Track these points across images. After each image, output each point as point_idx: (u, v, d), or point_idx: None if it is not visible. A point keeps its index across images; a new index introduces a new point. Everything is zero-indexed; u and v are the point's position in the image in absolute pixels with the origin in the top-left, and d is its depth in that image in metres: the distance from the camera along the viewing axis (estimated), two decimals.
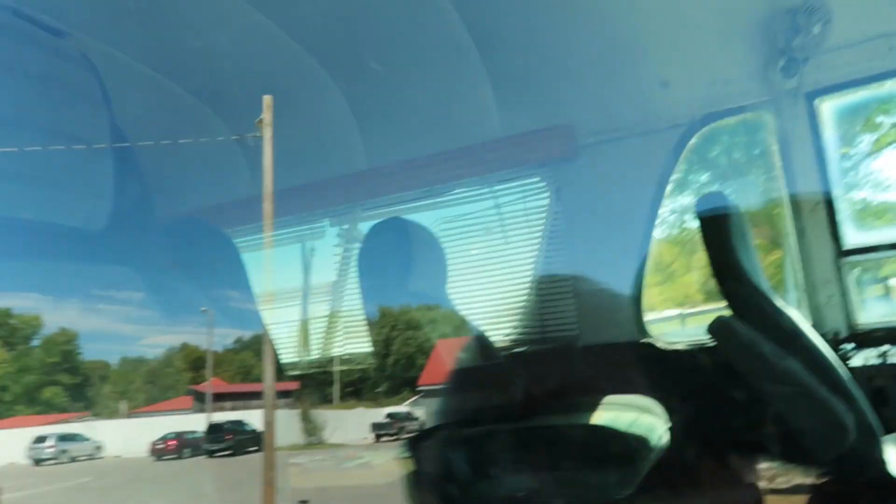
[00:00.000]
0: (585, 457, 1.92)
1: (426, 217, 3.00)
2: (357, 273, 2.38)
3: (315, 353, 3.31)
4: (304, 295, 3.32)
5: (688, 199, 3.01)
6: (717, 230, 1.97)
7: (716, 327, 1.80)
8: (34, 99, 2.75)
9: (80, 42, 2.65)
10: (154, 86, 2.94)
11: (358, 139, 3.03)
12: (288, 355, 3.33)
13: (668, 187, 2.71)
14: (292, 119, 3.12)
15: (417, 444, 2.15)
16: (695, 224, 2.08)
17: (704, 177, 3.63)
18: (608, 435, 1.91)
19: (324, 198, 3.13)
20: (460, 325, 2.57)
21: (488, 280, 2.97)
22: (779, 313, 1.89)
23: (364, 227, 3.21)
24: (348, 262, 3.28)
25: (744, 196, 3.21)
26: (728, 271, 1.92)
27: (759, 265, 1.99)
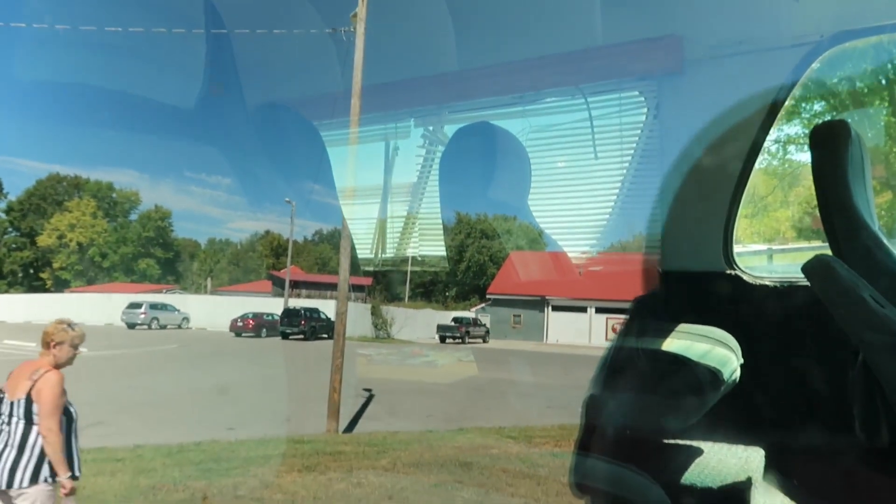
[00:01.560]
0: (652, 382, 1.89)
1: (514, 125, 2.90)
2: (438, 176, 2.36)
3: (390, 252, 3.35)
4: (384, 194, 3.33)
5: (795, 129, 2.79)
6: (832, 161, 1.82)
7: (814, 266, 1.69)
8: None
9: None
10: None
11: (452, 39, 2.93)
12: (364, 251, 3.39)
13: (780, 113, 2.51)
14: (387, 15, 3.03)
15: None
16: (805, 153, 1.93)
17: (819, 105, 3.34)
18: (678, 363, 1.87)
19: (411, 97, 3.07)
20: (536, 238, 2.53)
21: (572, 195, 2.89)
22: (887, 258, 1.75)
23: (450, 130, 3.15)
24: (430, 164, 3.25)
25: (862, 129, 2.94)
26: (837, 208, 1.79)
27: (873, 206, 1.83)
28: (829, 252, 1.88)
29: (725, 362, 2.07)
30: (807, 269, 1.71)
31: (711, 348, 2.16)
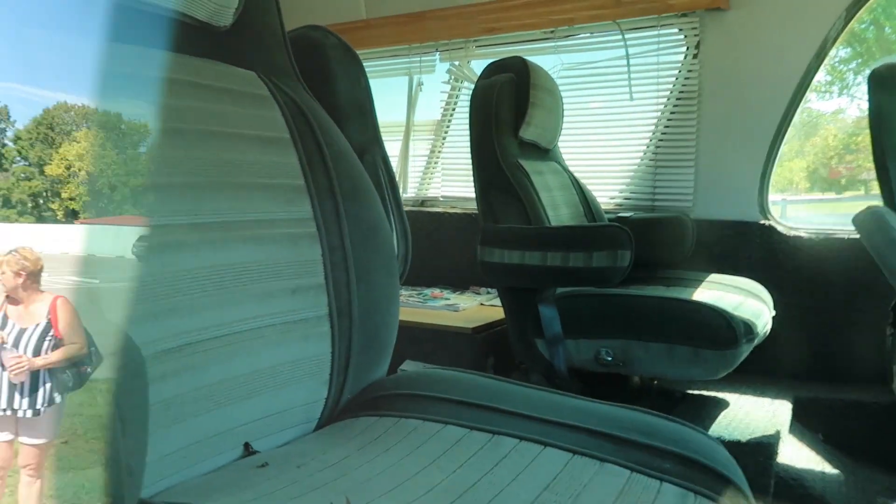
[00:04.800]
0: (684, 332, 1.84)
1: (544, 61, 2.77)
2: (466, 114, 2.26)
3: (411, 191, 3.27)
4: (406, 130, 3.22)
5: (817, 75, 2.63)
6: (891, 102, 1.71)
7: (865, 217, 1.61)
8: None
9: None
10: None
11: None
12: None
13: (826, 57, 2.37)
14: None
15: (511, 295, 2.12)
16: (824, 102, 1.82)
17: (844, 51, 3.16)
18: (710, 314, 1.81)
19: (437, 29, 2.93)
20: (567, 181, 2.44)
21: (604, 136, 2.78)
22: None
23: (476, 65, 3.02)
24: (456, 100, 3.13)
25: None
26: (893, 156, 1.69)
27: None
28: (842, 205, 1.80)
29: (758, 315, 2.01)
30: (857, 220, 1.63)
31: (744, 300, 2.10)
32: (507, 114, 2.20)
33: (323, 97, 1.08)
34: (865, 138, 3.04)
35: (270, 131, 0.93)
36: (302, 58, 1.08)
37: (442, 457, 0.81)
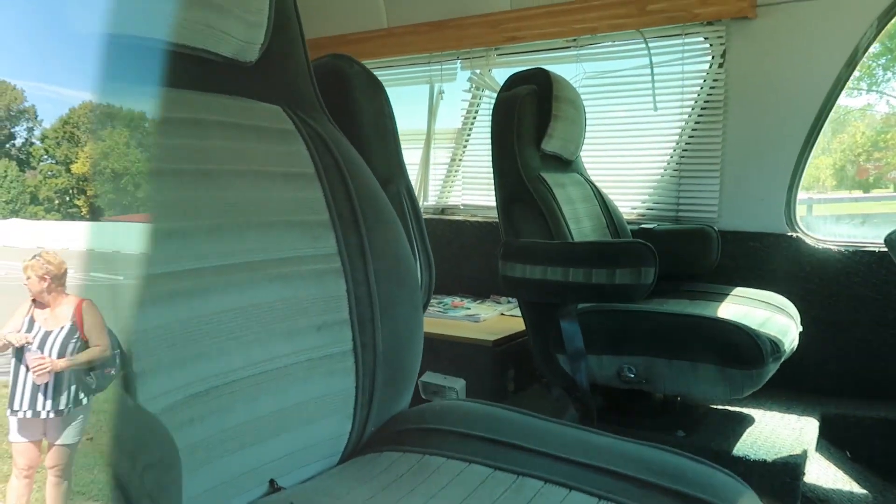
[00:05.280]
0: (709, 351, 1.82)
1: (567, 69, 2.75)
2: (486, 122, 2.25)
3: (432, 199, 3.27)
4: (427, 138, 3.22)
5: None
6: None
7: None
8: None
9: None
10: None
11: None
12: None
13: (858, 65, 2.33)
14: None
15: (533, 309, 2.11)
16: (853, 98, 1.78)
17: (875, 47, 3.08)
18: (736, 332, 1.78)
19: (457, 38, 2.92)
20: (590, 192, 2.42)
21: (628, 146, 2.75)
22: None
23: (498, 73, 3.01)
24: (477, 108, 3.12)
25: None
26: None
27: None
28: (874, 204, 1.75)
29: (785, 331, 1.97)
30: (890, 238, 1.59)
31: (770, 316, 2.07)
32: (530, 126, 2.19)
33: (347, 127, 1.08)
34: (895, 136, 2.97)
35: (296, 167, 0.93)
36: (326, 88, 1.08)
37: (466, 500, 0.81)
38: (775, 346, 1.82)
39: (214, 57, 0.89)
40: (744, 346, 1.78)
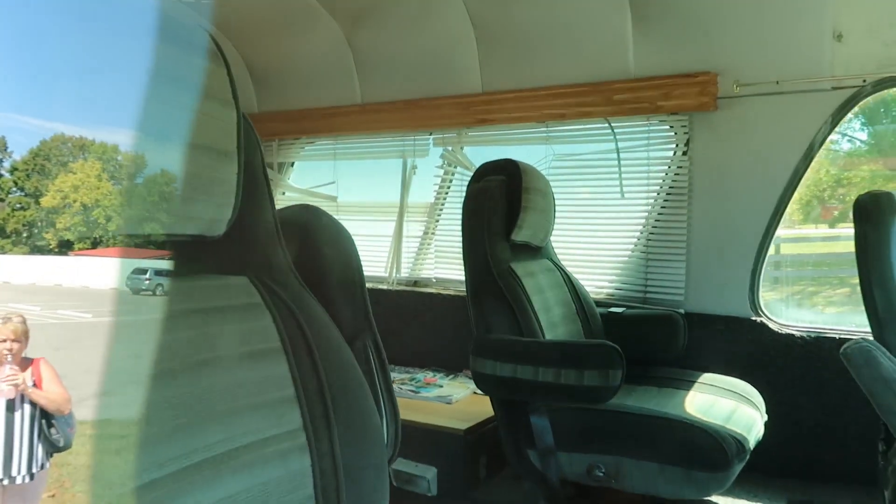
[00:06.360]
0: (675, 454, 1.84)
1: (536, 150, 2.81)
2: (459, 197, 2.27)
3: (405, 271, 3.28)
4: (400, 211, 3.25)
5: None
6: (876, 235, 1.74)
7: (854, 352, 1.62)
8: None
9: None
10: None
11: (475, 60, 2.81)
12: (376, 269, 3.31)
13: (815, 157, 2.41)
14: (410, 30, 2.91)
15: (503, 403, 2.12)
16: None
17: (862, 147, 3.19)
18: (702, 434, 1.81)
19: (430, 117, 2.97)
20: (559, 279, 2.45)
21: (596, 226, 2.81)
22: None
23: (470, 151, 3.06)
24: (449, 183, 3.16)
25: None
26: (880, 286, 1.71)
27: None
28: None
29: (751, 426, 2.01)
30: (846, 353, 1.64)
31: (736, 407, 2.10)
32: (499, 220, 2.23)
33: (314, 280, 1.09)
34: (858, 173, 3.06)
35: (261, 343, 0.94)
36: (293, 240, 1.10)
37: None
38: (741, 445, 1.85)
39: (178, 238, 0.91)
40: (709, 449, 1.80)
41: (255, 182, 1.02)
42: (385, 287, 3.25)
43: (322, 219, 1.14)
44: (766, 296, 2.57)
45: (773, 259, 2.67)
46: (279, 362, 0.95)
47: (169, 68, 0.83)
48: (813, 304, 4.15)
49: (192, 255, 0.93)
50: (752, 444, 1.94)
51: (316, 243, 1.12)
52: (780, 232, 2.54)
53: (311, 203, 1.16)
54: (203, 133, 0.86)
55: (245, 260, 1.00)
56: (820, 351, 2.39)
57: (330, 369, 0.99)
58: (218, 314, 0.91)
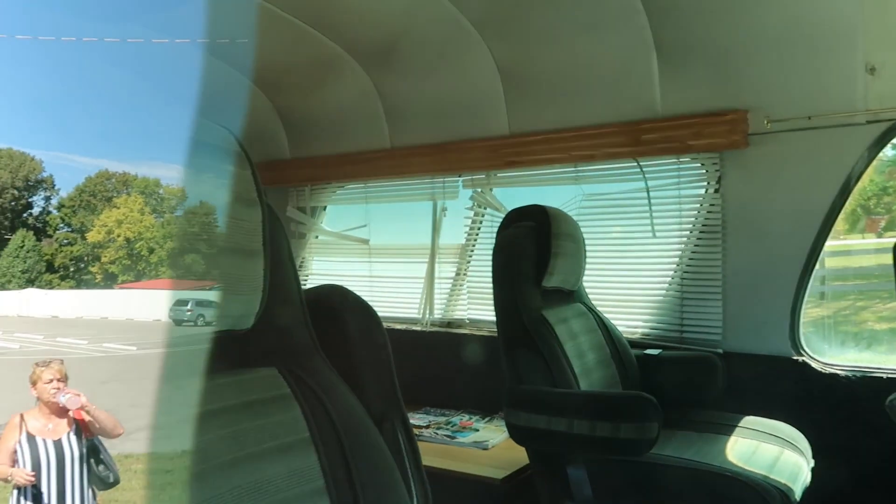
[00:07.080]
0: None
1: (565, 190, 2.81)
2: (489, 238, 2.27)
3: (437, 312, 3.29)
4: (432, 253, 3.27)
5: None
6: None
7: None
8: None
9: None
10: (300, 33, 2.86)
11: (501, 103, 2.84)
12: (410, 311, 3.33)
13: (852, 194, 2.36)
14: (436, 75, 2.95)
15: (540, 453, 2.10)
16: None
17: None
18: (745, 487, 1.76)
19: (459, 161, 3.00)
20: (592, 323, 2.43)
21: (629, 266, 2.78)
22: None
23: (499, 192, 3.07)
24: (479, 224, 3.17)
25: None
26: None
27: None
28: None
29: (796, 474, 1.95)
30: (893, 405, 1.59)
31: (780, 453, 2.04)
32: (529, 268, 2.23)
33: (342, 361, 1.11)
34: None
35: (291, 435, 0.96)
36: (321, 320, 1.12)
37: None
38: (786, 498, 1.80)
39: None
40: (752, 503, 1.76)
41: (281, 270, 1.05)
42: (419, 328, 3.26)
43: (349, 299, 1.16)
44: (811, 312, 2.50)
45: (818, 273, 2.60)
46: (308, 454, 0.96)
47: (198, 180, 0.86)
48: (862, 320, 4.01)
49: (221, 351, 0.95)
50: (798, 494, 1.89)
51: (344, 324, 1.14)
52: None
53: (338, 284, 1.17)
54: (230, 236, 0.89)
55: (273, 349, 1.02)
56: (866, 391, 2.31)
57: (359, 457, 1.00)
58: (247, 411, 0.93)
